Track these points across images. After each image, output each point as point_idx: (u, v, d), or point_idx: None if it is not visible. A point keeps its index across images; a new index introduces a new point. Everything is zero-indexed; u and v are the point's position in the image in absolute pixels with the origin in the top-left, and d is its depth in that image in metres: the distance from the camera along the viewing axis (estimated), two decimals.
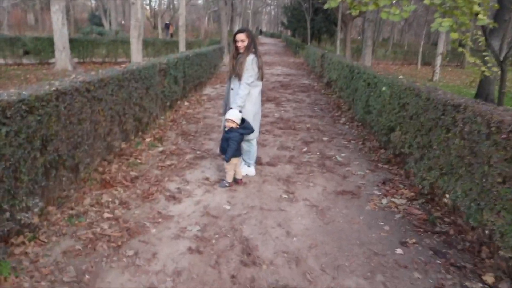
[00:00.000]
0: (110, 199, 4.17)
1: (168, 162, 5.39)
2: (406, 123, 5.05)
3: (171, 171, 5.10)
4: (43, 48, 16.89)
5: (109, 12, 38.89)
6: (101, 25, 37.74)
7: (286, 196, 4.51)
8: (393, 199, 4.56)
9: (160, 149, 5.98)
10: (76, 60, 17.77)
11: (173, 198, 4.31)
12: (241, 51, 4.65)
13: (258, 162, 5.53)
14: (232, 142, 4.50)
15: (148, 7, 55.63)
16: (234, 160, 4.64)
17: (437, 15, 5.58)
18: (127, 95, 5.41)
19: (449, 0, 5.46)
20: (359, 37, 51.22)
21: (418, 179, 4.51)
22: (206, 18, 53.52)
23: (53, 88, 3.62)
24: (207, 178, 4.92)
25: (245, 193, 4.55)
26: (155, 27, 48.52)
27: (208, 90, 11.89)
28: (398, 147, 5.38)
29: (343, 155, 6.16)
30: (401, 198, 4.61)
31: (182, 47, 13.93)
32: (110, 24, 37.60)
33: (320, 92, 12.44)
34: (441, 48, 20.94)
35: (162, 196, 4.36)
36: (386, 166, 5.68)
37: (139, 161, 5.38)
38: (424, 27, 29.71)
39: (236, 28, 36.49)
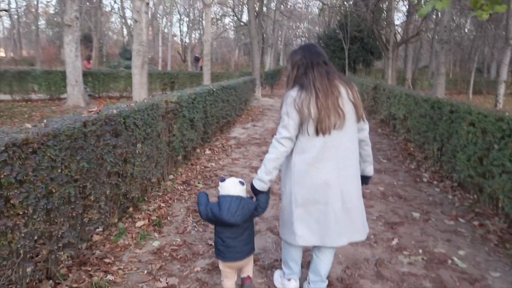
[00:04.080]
0: None
1: (162, 282, 2.99)
2: None
3: None
4: (54, 82, 15.17)
5: None
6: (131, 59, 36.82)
7: None
8: None
9: (156, 244, 3.61)
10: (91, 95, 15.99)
11: None
12: None
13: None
14: None
15: (179, 41, 54.99)
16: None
17: None
18: (93, 163, 3.11)
19: None
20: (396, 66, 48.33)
21: None
22: (237, 51, 52.21)
23: None
24: None
25: None
26: (184, 60, 47.44)
27: (237, 132, 9.58)
28: None
29: (462, 253, 3.62)
30: None
31: (206, 79, 11.77)
32: None
33: (377, 132, 9.93)
34: (504, 74, 18.17)
35: None
36: None
37: (111, 277, 3.02)
38: (475, 53, 27.00)
39: (268, 60, 34.84)
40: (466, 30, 37.34)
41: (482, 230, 4.13)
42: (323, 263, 2.74)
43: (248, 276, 2.90)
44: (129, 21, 42.14)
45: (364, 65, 35.15)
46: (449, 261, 3.46)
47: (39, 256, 2.56)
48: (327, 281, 2.84)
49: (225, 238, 2.63)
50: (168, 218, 4.21)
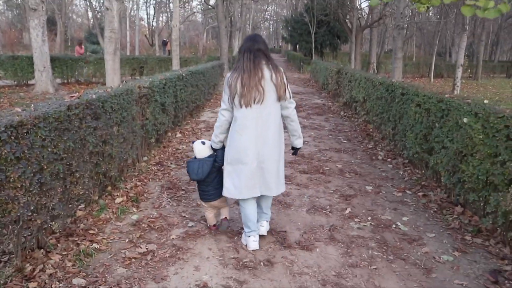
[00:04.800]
0: None
1: (142, 248, 3.39)
2: None
3: (145, 269, 3.10)
4: (21, 68, 14.98)
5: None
6: (98, 43, 36.03)
7: None
8: None
9: (134, 217, 3.99)
10: (59, 80, 15.87)
11: None
12: None
13: (285, 243, 3.55)
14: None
15: (146, 25, 54.12)
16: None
17: None
18: (78, 143, 3.44)
19: None
20: (361, 50, 49.11)
21: None
22: (205, 35, 51.87)
23: None
24: (204, 286, 2.92)
25: None
26: (152, 44, 46.86)
27: (206, 116, 9.95)
28: (506, 216, 3.40)
29: (405, 219, 4.17)
30: None
31: (175, 64, 11.99)
32: None
33: (339, 115, 10.49)
34: (461, 59, 19.08)
35: None
36: (479, 241, 3.69)
37: (96, 245, 3.39)
38: (434, 37, 28.01)
39: (236, 44, 34.91)
40: (431, 14, 38.39)
41: (425, 199, 4.70)
42: (263, 202, 3.56)
43: (225, 217, 3.71)
44: (94, 4, 41.29)
45: (331, 49, 35.68)
46: (393, 226, 4.00)
47: (34, 225, 2.90)
48: (270, 213, 3.68)
49: (201, 186, 3.60)
50: (145, 195, 4.58)
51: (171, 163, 5.79)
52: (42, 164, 2.89)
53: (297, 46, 38.55)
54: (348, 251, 3.46)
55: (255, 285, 2.93)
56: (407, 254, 3.44)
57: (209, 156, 3.51)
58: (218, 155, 3.50)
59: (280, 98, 3.25)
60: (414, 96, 5.55)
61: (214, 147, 3.49)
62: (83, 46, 18.46)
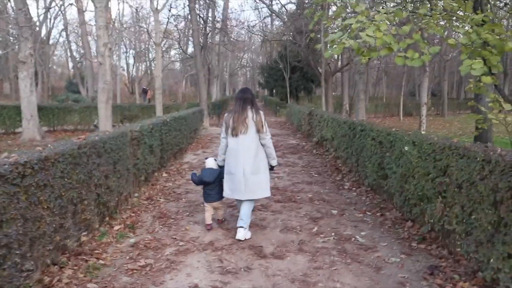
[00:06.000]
0: None
1: (141, 262, 4.03)
2: (451, 192, 3.89)
3: (146, 277, 3.74)
4: (9, 116, 15.59)
5: (86, 79, 38.06)
6: (79, 92, 36.78)
7: None
8: None
9: (132, 240, 4.63)
10: (45, 128, 16.47)
11: None
12: None
13: (261, 254, 4.25)
14: None
15: (125, 73, 55.38)
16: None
17: (464, 56, 4.65)
18: (86, 176, 4.14)
19: (477, 39, 4.55)
20: (334, 93, 51.03)
21: (489, 271, 3.28)
22: (184, 82, 53.27)
23: None
24: (195, 286, 3.57)
25: None
26: (132, 92, 47.87)
27: (189, 157, 10.67)
28: (439, 222, 4.18)
29: (363, 233, 4.92)
30: None
31: (159, 111, 12.84)
32: (87, 91, 36.57)
33: (312, 153, 11.35)
34: (424, 98, 20.47)
35: None
36: (423, 246, 4.45)
37: (102, 262, 4.01)
38: (402, 78, 29.75)
39: (214, 91, 36.27)
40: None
41: (381, 218, 5.47)
42: (242, 210, 4.75)
43: (219, 219, 5.18)
44: (74, 53, 42.32)
45: (306, 93, 37.23)
46: (353, 239, 4.73)
47: (54, 241, 3.55)
48: (244, 221, 4.68)
49: (206, 190, 5.01)
50: (139, 223, 5.22)
51: (160, 198, 6.45)
52: (61, 191, 3.57)
53: (273, 91, 40.04)
54: (314, 258, 4.17)
55: (237, 284, 3.61)
56: (362, 258, 4.17)
57: (215, 169, 4.98)
58: (222, 171, 4.92)
59: (258, 131, 4.67)
60: (370, 131, 6.44)
61: (219, 164, 5.02)
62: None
